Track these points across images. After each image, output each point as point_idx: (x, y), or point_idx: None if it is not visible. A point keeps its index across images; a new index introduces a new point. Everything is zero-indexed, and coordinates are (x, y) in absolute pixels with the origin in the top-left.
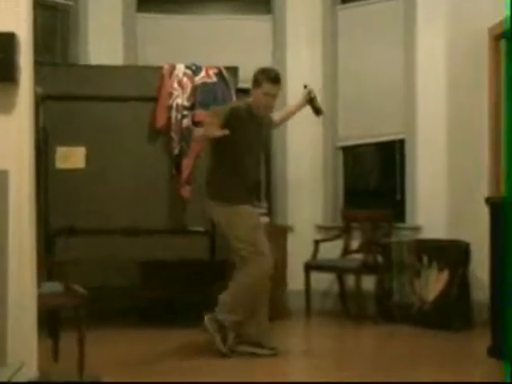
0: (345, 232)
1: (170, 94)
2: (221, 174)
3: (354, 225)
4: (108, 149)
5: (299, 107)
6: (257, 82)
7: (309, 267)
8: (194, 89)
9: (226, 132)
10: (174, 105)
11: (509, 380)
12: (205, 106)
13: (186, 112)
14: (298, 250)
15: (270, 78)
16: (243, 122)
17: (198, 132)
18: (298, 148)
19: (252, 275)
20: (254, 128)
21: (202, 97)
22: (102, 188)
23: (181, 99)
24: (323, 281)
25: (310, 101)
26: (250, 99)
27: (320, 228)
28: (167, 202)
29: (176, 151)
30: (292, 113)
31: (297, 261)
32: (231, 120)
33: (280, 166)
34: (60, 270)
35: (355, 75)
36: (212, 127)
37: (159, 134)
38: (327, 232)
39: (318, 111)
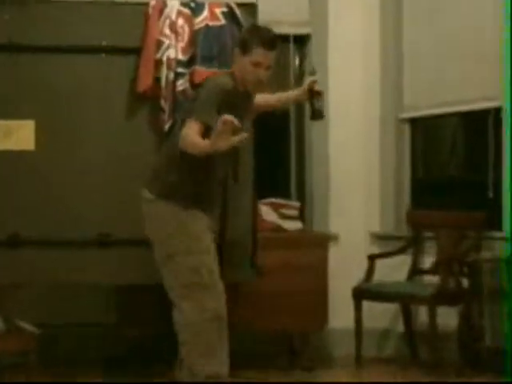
0: (413, 244)
1: (159, 44)
2: (182, 166)
3: (427, 233)
4: (68, 124)
5: (296, 98)
6: (244, 46)
7: (360, 294)
8: (194, 35)
9: (245, 136)
10: (165, 59)
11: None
12: (209, 60)
13: (181, 69)
14: (345, 270)
15: (264, 40)
16: (230, 106)
17: (200, 145)
18: (342, 122)
19: (190, 319)
20: (240, 110)
21: (205, 47)
22: (59, 180)
23: (174, 51)
24: (381, 314)
25: (311, 95)
26: (231, 71)
27: (376, 238)
28: None
29: (167, 127)
30: (284, 102)
31: (343, 285)
32: (220, 106)
33: (318, 147)
34: None
35: (428, 22)
36: (225, 137)
37: (142, 101)
38: (387, 244)
39: (316, 114)
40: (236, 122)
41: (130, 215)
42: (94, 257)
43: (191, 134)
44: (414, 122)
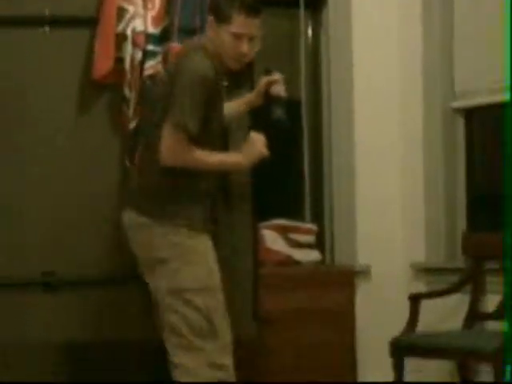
0: (471, 279)
1: (121, 12)
2: (177, 174)
3: (490, 265)
4: (2, 123)
5: (248, 105)
6: (221, 13)
7: (400, 349)
8: (168, 0)
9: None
10: (129, 32)
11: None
12: (189, 34)
13: (152, 46)
14: (379, 315)
15: (246, 4)
16: (214, 101)
17: (210, 160)
18: (372, 118)
19: (195, 374)
20: (222, 96)
21: (184, 16)
22: None
23: (141, 21)
24: (430, 373)
25: (269, 100)
26: (203, 45)
27: (421, 271)
28: (113, 226)
29: (132, 124)
30: (238, 111)
31: (376, 336)
32: (206, 104)
33: (340, 152)
34: None
35: None
36: (258, 150)
37: (100, 90)
38: (436, 279)
39: (276, 123)
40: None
41: (84, 248)
42: (38, 303)
43: (182, 149)
44: (469, 113)
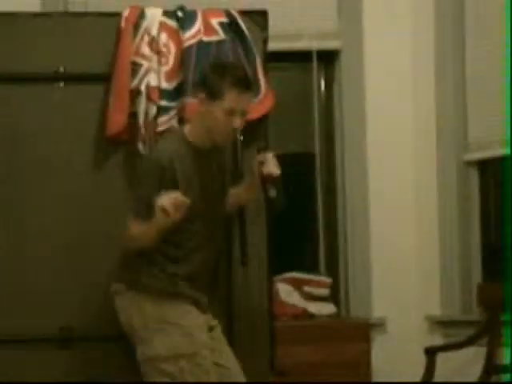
0: (488, 331)
1: (135, 68)
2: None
3: (506, 317)
4: (13, 180)
5: (246, 189)
6: (213, 90)
7: None
8: (183, 56)
9: (187, 202)
10: (143, 88)
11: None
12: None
13: (165, 102)
14: (395, 368)
15: (238, 79)
16: (185, 177)
17: (141, 232)
18: (386, 169)
19: None
20: (204, 175)
21: (199, 71)
22: (5, 259)
23: (156, 76)
24: None
25: (263, 180)
26: (186, 127)
27: (437, 324)
28: None
29: None
30: (238, 198)
31: None
32: (166, 186)
33: (354, 203)
34: None
35: (496, 35)
36: (168, 213)
37: (114, 146)
38: (452, 332)
39: (273, 201)
40: (180, 199)
41: (101, 304)
42: (54, 359)
43: (129, 231)
44: (483, 165)
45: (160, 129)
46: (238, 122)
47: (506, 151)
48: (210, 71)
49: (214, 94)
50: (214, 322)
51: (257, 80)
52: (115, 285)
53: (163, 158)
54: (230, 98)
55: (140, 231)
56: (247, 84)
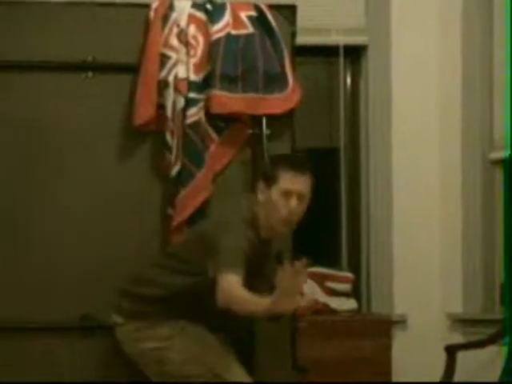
0: (510, 330)
1: (164, 59)
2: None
3: None
4: (40, 168)
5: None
6: (269, 175)
7: None
8: (211, 48)
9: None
10: (171, 79)
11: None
12: (231, 82)
13: (193, 94)
14: (415, 366)
15: (293, 162)
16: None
17: (253, 303)
18: (410, 168)
19: None
20: (262, 262)
21: (227, 64)
22: (30, 246)
23: (184, 68)
24: None
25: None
26: (249, 217)
27: (458, 322)
28: None
29: (174, 171)
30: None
31: None
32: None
33: (377, 202)
34: None
35: None
36: (290, 296)
37: (142, 136)
38: (473, 330)
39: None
40: (303, 262)
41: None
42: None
43: (236, 289)
44: (508, 164)
45: (188, 121)
46: (293, 203)
47: None
48: (268, 162)
49: (270, 179)
50: None
51: (284, 74)
52: (115, 317)
53: (250, 236)
54: (285, 179)
55: (248, 298)
56: (302, 165)
